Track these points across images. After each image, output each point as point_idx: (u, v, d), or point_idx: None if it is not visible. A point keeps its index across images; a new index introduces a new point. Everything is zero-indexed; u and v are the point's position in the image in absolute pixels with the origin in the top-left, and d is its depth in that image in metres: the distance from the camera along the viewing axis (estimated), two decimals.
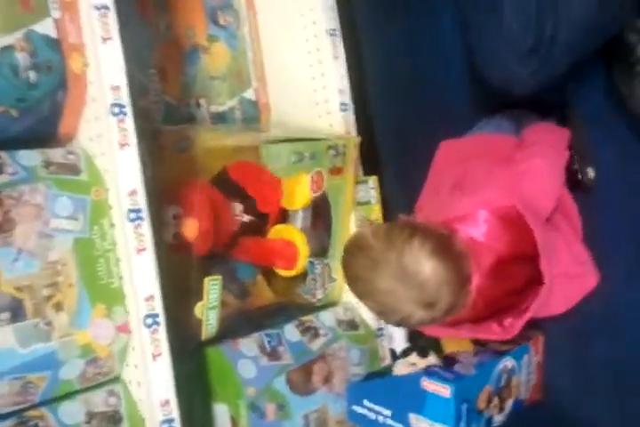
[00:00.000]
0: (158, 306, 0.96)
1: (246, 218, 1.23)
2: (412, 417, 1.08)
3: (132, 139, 0.95)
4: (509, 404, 1.14)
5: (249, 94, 1.42)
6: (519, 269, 0.93)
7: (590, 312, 1.11)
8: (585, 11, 0.97)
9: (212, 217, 1.14)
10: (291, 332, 1.21)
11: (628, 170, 1.18)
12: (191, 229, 1.12)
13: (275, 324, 1.23)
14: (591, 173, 1.18)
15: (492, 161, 1.05)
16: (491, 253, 0.90)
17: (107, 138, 0.95)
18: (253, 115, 1.43)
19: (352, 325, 1.28)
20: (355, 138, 1.23)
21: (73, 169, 0.96)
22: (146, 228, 0.96)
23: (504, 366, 1.13)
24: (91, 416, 0.95)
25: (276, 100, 1.43)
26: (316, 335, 1.23)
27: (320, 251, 1.26)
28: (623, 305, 1.22)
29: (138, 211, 0.95)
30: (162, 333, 0.96)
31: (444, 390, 1.01)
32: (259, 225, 1.25)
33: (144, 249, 0.96)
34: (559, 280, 0.95)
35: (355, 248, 0.93)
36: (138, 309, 0.95)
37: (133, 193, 0.95)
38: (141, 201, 0.96)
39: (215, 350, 1.11)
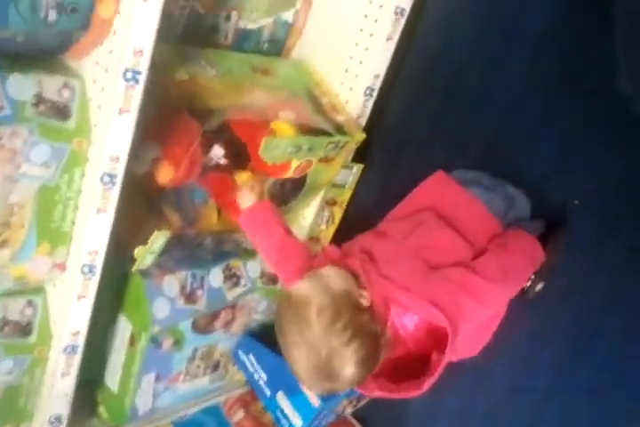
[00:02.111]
0: (99, 260, 1.00)
1: (223, 161, 1.22)
2: (281, 395, 1.23)
3: (134, 107, 0.89)
4: (362, 403, 1.32)
5: (287, 16, 1.29)
6: (415, 363, 0.99)
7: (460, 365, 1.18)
8: None
9: (190, 167, 1.12)
10: (215, 276, 1.28)
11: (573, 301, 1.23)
12: (165, 174, 1.10)
13: (205, 260, 1.29)
14: (539, 287, 1.19)
15: (466, 244, 1.05)
16: (402, 348, 0.97)
17: (109, 96, 0.88)
18: (280, 39, 1.31)
19: (273, 279, 1.37)
20: (360, 135, 1.17)
21: (63, 112, 0.90)
22: (115, 193, 0.95)
23: None
24: (4, 323, 1.03)
25: (310, 32, 1.30)
26: (236, 285, 1.31)
27: None
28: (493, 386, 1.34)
29: (113, 176, 0.93)
30: (94, 282, 1.02)
31: (314, 400, 1.16)
32: (230, 170, 1.24)
33: (105, 211, 0.96)
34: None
35: (293, 312, 0.92)
36: (79, 258, 0.99)
37: (116, 159, 0.92)
38: (120, 168, 0.93)
39: (138, 281, 1.18)
